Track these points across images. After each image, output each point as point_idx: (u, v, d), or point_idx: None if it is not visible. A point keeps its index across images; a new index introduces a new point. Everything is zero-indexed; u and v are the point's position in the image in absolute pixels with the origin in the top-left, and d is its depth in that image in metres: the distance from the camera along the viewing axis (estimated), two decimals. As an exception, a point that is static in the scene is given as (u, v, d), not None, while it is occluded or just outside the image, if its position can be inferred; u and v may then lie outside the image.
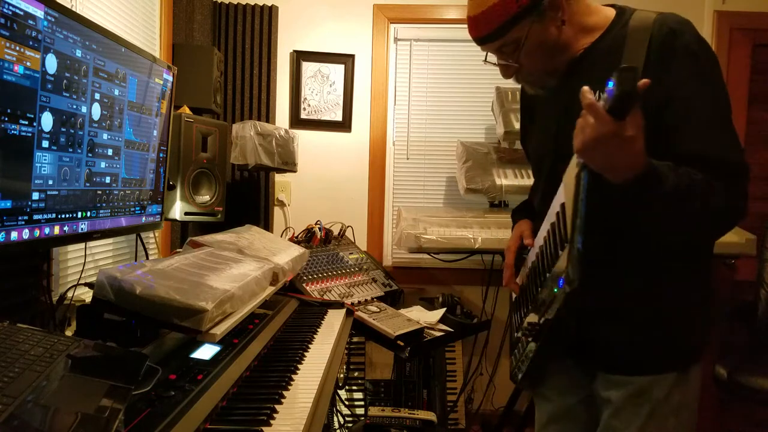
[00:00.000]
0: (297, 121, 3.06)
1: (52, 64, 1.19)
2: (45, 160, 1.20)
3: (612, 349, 1.20)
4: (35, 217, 1.19)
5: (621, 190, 0.99)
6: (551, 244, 1.12)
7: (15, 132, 1.10)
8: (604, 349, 1.21)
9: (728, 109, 1.09)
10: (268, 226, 2.93)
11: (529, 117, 1.42)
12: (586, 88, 0.95)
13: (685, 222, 1.06)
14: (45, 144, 1.19)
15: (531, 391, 1.44)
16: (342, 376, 2.73)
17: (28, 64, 1.11)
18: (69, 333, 1.46)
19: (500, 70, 1.25)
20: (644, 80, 0.89)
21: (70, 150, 1.29)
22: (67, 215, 1.31)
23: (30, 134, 1.14)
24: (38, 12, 1.14)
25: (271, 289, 1.47)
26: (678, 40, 1.07)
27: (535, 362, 1.24)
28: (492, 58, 1.26)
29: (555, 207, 1.13)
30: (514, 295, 1.38)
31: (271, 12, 2.95)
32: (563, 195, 1.09)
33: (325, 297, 1.97)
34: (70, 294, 1.49)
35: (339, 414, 2.72)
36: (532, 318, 1.18)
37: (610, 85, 0.90)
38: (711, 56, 1.10)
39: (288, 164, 2.54)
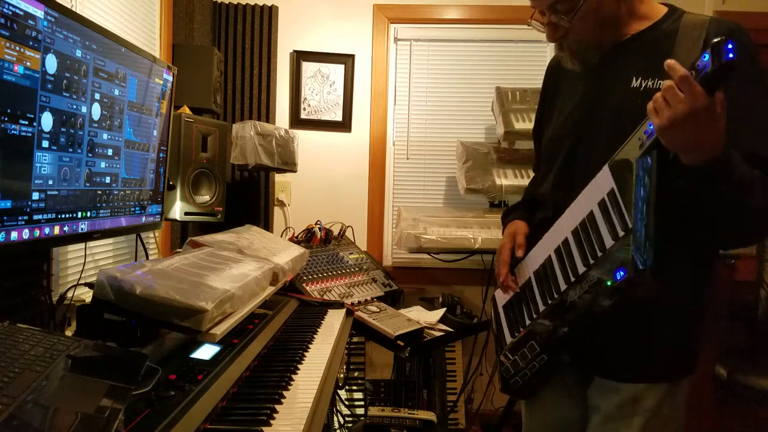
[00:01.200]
0: (297, 121, 3.06)
1: (52, 64, 1.19)
2: (45, 160, 1.20)
3: (607, 353, 1.19)
4: (35, 217, 1.19)
5: (696, 172, 0.97)
6: (593, 237, 1.08)
7: (15, 132, 1.10)
8: (600, 353, 1.20)
9: None
10: (268, 226, 2.93)
11: (549, 100, 1.38)
12: (672, 60, 0.92)
13: (743, 217, 1.03)
14: (45, 144, 1.19)
15: (523, 398, 1.41)
16: (342, 376, 2.73)
17: (28, 64, 1.11)
18: (69, 333, 1.46)
19: (547, 31, 1.20)
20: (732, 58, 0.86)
21: (70, 150, 1.29)
22: (67, 215, 1.31)
23: (30, 134, 1.14)
24: (38, 12, 1.14)
25: (271, 289, 1.47)
26: (739, 43, 1.08)
27: (541, 373, 1.23)
28: (536, 21, 1.22)
29: (596, 195, 1.08)
30: (500, 296, 1.36)
31: (271, 12, 2.95)
32: (610, 180, 1.05)
33: (325, 297, 1.97)
34: (70, 294, 1.49)
35: (339, 414, 2.72)
36: (554, 319, 1.16)
37: (706, 57, 0.87)
38: (762, 64, 1.09)
39: (288, 164, 2.54)
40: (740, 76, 1.03)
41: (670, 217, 1.05)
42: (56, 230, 1.27)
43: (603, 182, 1.09)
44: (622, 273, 1.01)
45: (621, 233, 1.02)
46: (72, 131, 1.29)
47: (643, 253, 0.97)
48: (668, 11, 1.19)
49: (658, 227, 0.97)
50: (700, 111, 0.90)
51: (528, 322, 1.24)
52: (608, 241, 1.05)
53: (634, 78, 1.14)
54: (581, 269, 1.11)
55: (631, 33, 1.19)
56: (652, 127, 0.99)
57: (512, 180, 2.70)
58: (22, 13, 1.09)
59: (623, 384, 1.18)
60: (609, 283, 1.04)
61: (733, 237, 1.13)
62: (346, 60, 3.04)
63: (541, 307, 1.21)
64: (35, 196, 1.18)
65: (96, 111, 1.38)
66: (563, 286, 1.15)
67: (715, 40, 0.87)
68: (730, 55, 0.84)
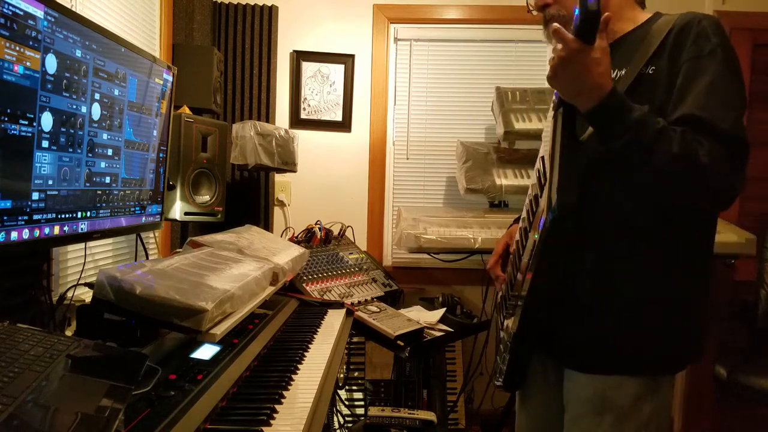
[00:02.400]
0: (297, 121, 3.06)
1: (52, 64, 1.19)
2: (45, 160, 1.20)
3: (578, 343, 1.17)
4: (35, 217, 1.19)
5: (589, 116, 1.03)
6: (533, 204, 1.12)
7: (15, 132, 1.10)
8: (572, 343, 1.18)
9: (737, 94, 1.08)
10: (268, 226, 2.93)
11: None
12: (555, 24, 1.02)
13: (659, 168, 1.01)
14: (45, 144, 1.19)
15: (512, 392, 1.43)
16: (342, 376, 2.73)
17: (28, 64, 1.11)
18: (69, 333, 1.46)
19: None
20: (607, 14, 0.98)
21: (70, 150, 1.29)
22: (67, 215, 1.31)
23: (30, 134, 1.14)
24: (38, 12, 1.14)
25: (271, 289, 1.47)
26: (697, 25, 1.10)
27: (513, 363, 1.24)
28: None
29: (536, 167, 1.14)
30: (499, 296, 1.39)
31: (271, 12, 2.95)
32: (542, 149, 1.12)
33: (325, 297, 1.97)
34: (70, 294, 1.49)
35: (339, 414, 2.72)
36: (514, 297, 1.18)
37: (577, 11, 0.97)
38: (728, 45, 1.10)
39: (288, 164, 2.54)
40: (696, 48, 1.08)
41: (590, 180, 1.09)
42: (56, 230, 1.27)
43: (539, 154, 1.15)
44: (541, 221, 1.04)
45: (545, 189, 1.06)
46: (72, 131, 1.29)
47: (554, 195, 1.01)
48: (651, 17, 1.22)
49: (564, 171, 1.02)
50: (573, 55, 0.99)
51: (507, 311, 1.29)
52: (541, 202, 1.09)
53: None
54: (526, 225, 1.16)
55: (616, 33, 1.21)
56: None
57: (512, 180, 2.70)
58: (22, 13, 1.09)
59: (593, 377, 1.15)
60: (536, 237, 1.06)
61: (668, 190, 1.08)
62: (346, 60, 3.04)
63: (514, 278, 1.25)
64: (35, 196, 1.18)
65: (96, 111, 1.38)
66: (523, 255, 1.17)
67: None
68: (591, 1, 0.94)
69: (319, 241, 2.39)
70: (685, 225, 1.14)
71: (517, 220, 1.48)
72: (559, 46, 1.01)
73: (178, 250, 1.79)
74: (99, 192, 1.44)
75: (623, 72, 1.16)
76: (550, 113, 1.13)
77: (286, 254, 1.76)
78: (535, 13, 1.28)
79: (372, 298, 2.10)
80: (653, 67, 1.12)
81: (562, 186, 0.99)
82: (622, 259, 1.13)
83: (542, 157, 1.10)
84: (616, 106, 1.02)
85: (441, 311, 2.19)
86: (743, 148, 1.04)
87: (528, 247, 1.12)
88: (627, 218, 1.13)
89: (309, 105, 3.06)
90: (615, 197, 1.13)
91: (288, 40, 3.04)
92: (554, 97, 1.10)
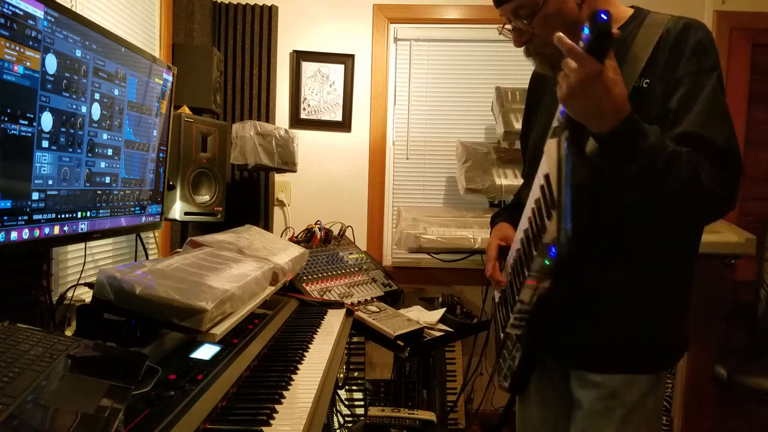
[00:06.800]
0: (297, 121, 3.06)
1: (52, 64, 1.19)
2: (45, 160, 1.20)
3: (589, 346, 1.20)
4: (35, 217, 1.19)
5: (605, 140, 1.00)
6: (537, 219, 1.09)
7: (15, 132, 1.10)
8: (582, 347, 1.21)
9: (727, 109, 1.10)
10: (268, 226, 2.93)
11: (533, 108, 1.42)
12: (560, 33, 0.97)
13: (671, 191, 1.04)
14: (45, 144, 1.19)
15: (513, 394, 1.43)
16: (342, 376, 2.73)
17: (28, 64, 1.11)
18: (69, 333, 1.46)
19: (513, 36, 1.25)
20: (616, 30, 0.95)
21: (70, 150, 1.29)
22: (67, 215, 1.31)
23: (30, 134, 1.14)
24: (38, 12, 1.14)
25: (271, 289, 1.47)
26: (693, 36, 1.10)
27: (521, 368, 1.24)
28: (507, 30, 1.27)
29: (538, 181, 1.11)
30: (497, 296, 1.38)
31: (271, 12, 2.95)
32: (546, 165, 1.07)
33: (325, 297, 1.97)
34: (70, 294, 1.49)
35: (339, 414, 2.72)
36: (520, 306, 1.17)
37: (586, 31, 0.94)
38: (717, 58, 1.12)
39: (288, 164, 2.54)
40: (695, 62, 1.08)
41: (598, 198, 1.09)
42: (56, 230, 1.27)
43: (542, 168, 1.10)
44: (553, 250, 1.03)
45: (551, 213, 1.03)
46: (72, 131, 1.29)
47: (564, 224, 0.98)
48: (634, 13, 1.21)
49: (575, 199, 0.98)
50: (591, 75, 0.94)
51: (509, 315, 1.26)
52: (545, 223, 1.05)
53: None
54: (532, 252, 1.12)
55: None
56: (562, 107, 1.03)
57: (512, 180, 2.70)
58: (22, 13, 1.09)
59: (605, 376, 1.19)
60: (547, 263, 1.05)
61: (677, 213, 1.12)
62: (346, 60, 3.04)
63: (516, 296, 1.23)
64: (35, 196, 1.18)
65: (96, 111, 1.38)
66: (525, 275, 1.15)
67: (591, 11, 0.93)
68: (603, 17, 0.91)
69: (319, 241, 2.39)
70: (679, 233, 1.18)
71: (499, 214, 1.48)
72: (573, 65, 0.95)
73: (178, 250, 1.79)
74: (99, 192, 1.44)
75: None
76: (552, 129, 1.07)
77: (286, 254, 1.76)
78: (504, 35, 1.27)
79: (372, 298, 2.10)
80: (647, 81, 1.11)
81: (574, 218, 0.96)
82: (627, 268, 1.16)
83: (546, 176, 1.06)
84: (632, 130, 0.99)
85: (441, 311, 2.18)
86: (738, 163, 1.08)
87: (535, 269, 1.11)
88: (628, 230, 1.16)
89: (309, 105, 3.06)
90: (616, 211, 1.14)
91: (288, 40, 3.04)
92: (559, 116, 1.05)
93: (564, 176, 0.99)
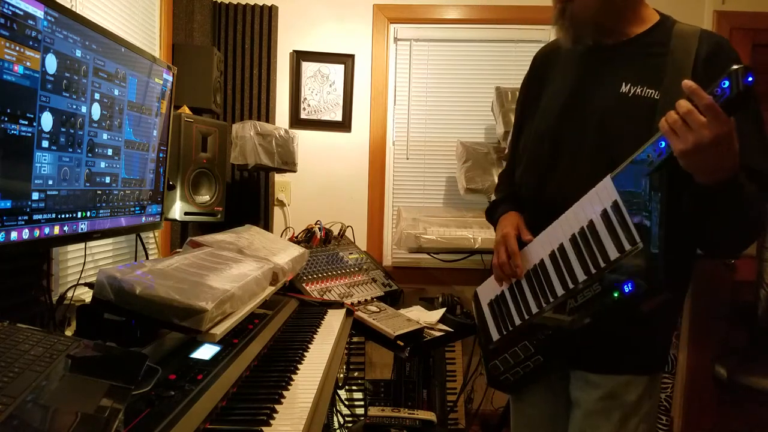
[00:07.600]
0: (297, 121, 3.06)
1: (52, 64, 1.19)
2: (45, 160, 1.20)
3: (590, 347, 1.20)
4: (35, 217, 1.19)
5: (713, 188, 0.98)
6: (594, 247, 1.09)
7: (15, 132, 1.10)
8: (582, 347, 1.21)
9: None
10: (268, 226, 2.93)
11: (534, 92, 1.39)
12: (691, 82, 0.93)
13: (740, 227, 1.08)
14: (45, 144, 1.19)
15: (511, 394, 1.44)
16: (342, 376, 2.73)
17: (28, 64, 1.11)
18: (69, 333, 1.46)
19: None
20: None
21: (70, 150, 1.29)
22: (67, 215, 1.31)
23: (30, 134, 1.14)
24: (38, 12, 1.14)
25: (271, 289, 1.47)
26: (727, 57, 1.10)
27: (535, 373, 1.24)
28: None
29: (597, 205, 1.09)
30: (486, 294, 1.37)
31: (271, 12, 2.95)
32: (614, 192, 1.06)
33: (325, 297, 1.97)
34: (70, 294, 1.49)
35: (339, 414, 2.72)
36: (553, 324, 1.17)
37: (726, 84, 0.90)
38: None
39: (288, 164, 2.54)
40: None
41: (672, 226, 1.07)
42: (56, 230, 1.27)
43: (605, 193, 1.09)
44: (630, 287, 1.03)
45: (627, 247, 1.03)
46: (72, 131, 1.29)
47: (659, 271, 0.99)
48: (660, 19, 1.21)
49: (668, 244, 0.99)
50: (725, 135, 0.92)
51: (518, 321, 1.26)
52: (612, 253, 1.06)
53: (623, 83, 1.16)
54: (581, 277, 1.12)
55: (627, 34, 1.20)
56: (663, 145, 0.99)
57: (512, 180, 2.70)
58: (22, 13, 1.09)
59: (604, 377, 1.20)
60: (615, 295, 1.05)
61: (725, 245, 1.16)
62: (346, 60, 3.04)
63: (534, 309, 1.22)
64: (35, 196, 1.18)
65: (96, 111, 1.38)
66: (560, 292, 1.16)
67: (735, 67, 0.89)
68: (750, 78, 0.88)
69: (319, 241, 2.38)
70: (683, 239, 1.18)
71: (494, 208, 1.46)
72: (703, 119, 0.91)
73: (178, 250, 1.79)
74: (99, 192, 1.44)
75: (656, 95, 1.12)
76: (643, 157, 1.04)
77: (286, 254, 1.76)
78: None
79: (372, 298, 2.10)
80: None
81: (666, 264, 0.97)
82: None
83: (615, 202, 1.06)
84: (739, 183, 1.00)
85: (441, 311, 2.18)
86: None
87: (588, 296, 1.10)
88: None
89: (309, 105, 3.06)
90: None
91: (288, 40, 3.04)
92: (652, 154, 1.01)
93: (658, 216, 0.99)
